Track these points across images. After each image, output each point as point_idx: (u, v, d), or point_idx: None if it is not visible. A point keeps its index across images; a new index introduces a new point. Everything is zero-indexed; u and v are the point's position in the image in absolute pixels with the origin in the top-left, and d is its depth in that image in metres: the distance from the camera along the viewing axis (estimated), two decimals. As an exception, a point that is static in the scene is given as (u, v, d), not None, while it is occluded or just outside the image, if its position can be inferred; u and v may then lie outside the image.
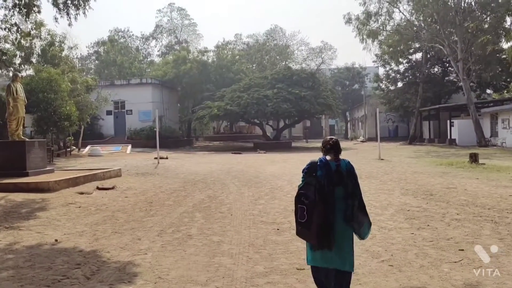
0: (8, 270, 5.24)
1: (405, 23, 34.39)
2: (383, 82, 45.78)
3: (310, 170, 3.73)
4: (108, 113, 39.16)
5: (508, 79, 36.21)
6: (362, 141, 46.08)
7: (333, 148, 3.82)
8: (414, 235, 6.62)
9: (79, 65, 38.76)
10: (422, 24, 33.88)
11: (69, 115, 21.83)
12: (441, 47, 32.07)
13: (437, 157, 21.61)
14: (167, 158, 23.03)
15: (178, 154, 27.85)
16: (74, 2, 13.68)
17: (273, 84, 37.14)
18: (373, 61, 45.43)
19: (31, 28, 15.01)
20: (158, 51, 64.42)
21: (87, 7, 13.84)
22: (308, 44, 63.22)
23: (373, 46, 36.25)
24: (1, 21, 14.43)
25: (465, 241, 6.22)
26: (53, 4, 13.51)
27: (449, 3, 30.81)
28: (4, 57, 18.93)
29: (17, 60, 25.93)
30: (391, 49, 35.94)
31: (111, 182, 13.06)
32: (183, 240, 6.56)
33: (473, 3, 31.01)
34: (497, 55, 31.73)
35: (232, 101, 35.58)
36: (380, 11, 33.16)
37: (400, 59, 39.64)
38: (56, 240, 6.60)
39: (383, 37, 35.40)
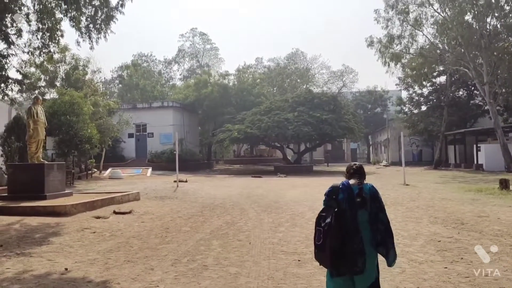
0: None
1: (428, 46, 33.89)
2: (407, 105, 45.04)
3: (331, 193, 3.72)
4: (130, 135, 39.50)
5: (537, 103, 35.11)
6: (385, 166, 45.14)
7: (356, 172, 3.84)
8: (448, 269, 6.10)
9: (103, 88, 39.34)
10: (446, 47, 33.30)
11: (90, 138, 21.91)
12: (466, 70, 31.39)
13: (464, 183, 20.80)
14: (186, 181, 22.83)
15: (198, 177, 27.62)
16: (96, 26, 13.73)
17: (294, 107, 36.88)
18: (396, 84, 44.90)
19: (54, 52, 15.04)
20: (180, 74, 65.36)
21: (108, 31, 13.87)
22: (329, 68, 63.20)
23: (396, 69, 35.71)
24: (25, 44, 14.59)
25: (506, 277, 5.66)
26: (75, 28, 13.59)
27: (474, 26, 30.27)
28: (27, 81, 19.15)
29: (42, 84, 26.47)
30: (414, 72, 35.37)
31: (129, 206, 12.83)
32: (198, 271, 6.17)
33: (498, 26, 30.40)
34: (525, 78, 30.85)
35: (252, 124, 35.38)
36: (403, 33, 32.77)
37: (424, 82, 38.96)
38: (66, 269, 6.30)
39: (406, 60, 34.91)
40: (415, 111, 43.78)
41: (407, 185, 19.73)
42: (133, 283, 5.67)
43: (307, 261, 6.63)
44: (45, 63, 20.76)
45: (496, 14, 29.14)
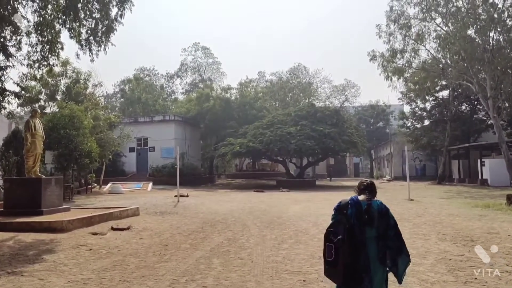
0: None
1: (431, 60, 33.72)
2: (409, 119, 44.80)
3: (340, 208, 3.71)
4: (131, 150, 39.24)
5: (541, 117, 34.84)
6: (388, 180, 44.72)
7: (367, 188, 3.83)
8: (462, 291, 5.76)
9: (105, 102, 39.21)
10: (449, 61, 33.09)
11: (90, 152, 21.63)
12: (469, 84, 31.16)
13: (470, 198, 20.41)
14: (187, 196, 22.52)
15: (199, 192, 27.28)
16: (96, 39, 13.56)
17: (297, 121, 36.64)
18: (399, 99, 44.65)
19: (54, 65, 14.84)
20: (182, 88, 65.33)
21: (108, 44, 13.69)
22: (331, 82, 62.97)
23: (399, 84, 35.49)
24: (24, 57, 14.40)
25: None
26: (75, 40, 13.41)
27: (476, 40, 30.11)
28: (27, 94, 18.96)
29: (43, 97, 26.31)
30: (417, 86, 35.15)
31: (128, 221, 12.49)
32: (197, 293, 5.84)
33: (501, 40, 30.24)
34: (529, 92, 30.61)
35: (254, 138, 35.10)
36: (405, 47, 32.60)
37: (427, 97, 38.74)
38: (57, 290, 5.98)
39: (408, 74, 34.71)
40: (418, 126, 43.51)
41: (412, 200, 19.37)
42: (127, 305, 5.34)
43: (312, 281, 6.29)
44: (45, 76, 20.58)
45: (498, 29, 29.02)
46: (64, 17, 12.24)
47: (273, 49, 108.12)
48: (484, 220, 12.29)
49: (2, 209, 12.73)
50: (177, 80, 65.53)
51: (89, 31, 13.28)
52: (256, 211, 15.65)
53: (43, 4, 12.87)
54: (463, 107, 41.57)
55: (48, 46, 13.88)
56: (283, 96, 57.81)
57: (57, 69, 24.09)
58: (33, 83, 23.68)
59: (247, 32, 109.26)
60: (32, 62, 14.33)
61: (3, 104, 14.34)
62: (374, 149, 60.27)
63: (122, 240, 9.89)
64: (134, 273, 6.91)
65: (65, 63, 26.25)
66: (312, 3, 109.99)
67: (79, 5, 12.32)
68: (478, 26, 29.20)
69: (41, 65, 14.10)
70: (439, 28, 31.38)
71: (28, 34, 14.03)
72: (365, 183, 3.91)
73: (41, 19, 13.28)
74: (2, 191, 14.96)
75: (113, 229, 11.15)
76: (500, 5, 28.33)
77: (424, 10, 30.85)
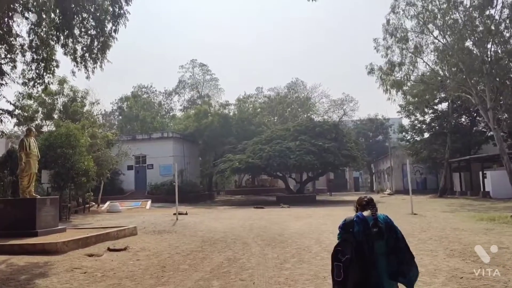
0: None
1: (429, 72, 33.67)
2: (409, 132, 44.62)
3: (346, 226, 3.63)
4: (129, 168, 38.89)
5: (542, 128, 34.65)
6: (390, 194, 44.30)
7: (369, 204, 3.76)
8: (477, 313, 5.44)
9: (103, 120, 38.96)
10: (447, 74, 33.06)
11: (87, 171, 21.29)
12: (469, 96, 31.05)
13: (474, 211, 20.07)
14: (186, 213, 22.14)
15: (199, 209, 26.88)
16: (92, 55, 13.38)
17: (296, 136, 36.40)
18: (397, 112, 44.50)
19: (49, 83, 14.62)
20: (180, 105, 65.20)
21: (104, 61, 13.50)
22: (329, 96, 62.91)
23: (397, 97, 35.35)
24: (19, 76, 14.22)
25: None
26: (70, 57, 13.23)
27: (474, 52, 30.09)
28: (23, 113, 18.72)
29: (39, 116, 26.06)
30: (416, 99, 35.06)
31: (125, 241, 12.15)
32: (196, 319, 5.51)
33: (499, 51, 30.23)
34: (528, 103, 30.49)
35: (254, 154, 34.79)
36: (403, 60, 32.56)
37: (426, 109, 38.62)
38: (48, 318, 5.64)
39: (407, 87, 34.61)
40: (418, 139, 43.32)
41: (415, 214, 19.03)
42: (122, 335, 5.00)
43: (318, 304, 5.95)
44: (42, 94, 20.36)
45: (496, 41, 29.01)
46: (59, 33, 12.04)
47: (271, 64, 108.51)
48: (491, 234, 11.97)
49: (-4, 231, 12.38)
50: (175, 97, 65.53)
51: (84, 48, 13.11)
52: (256, 228, 15.30)
53: (37, 21, 12.71)
54: (463, 119, 41.48)
55: (43, 64, 13.72)
56: (282, 111, 57.73)
57: (53, 87, 23.92)
58: (29, 101, 23.47)
59: (244, 48, 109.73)
60: (27, 80, 14.15)
61: (-4, 122, 14.08)
62: (374, 163, 59.99)
63: (119, 261, 9.53)
64: (130, 298, 6.57)
65: (62, 82, 26.09)
66: (310, 23, 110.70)
67: (74, 22, 12.14)
68: (476, 38, 29.22)
69: (36, 83, 13.91)
70: (436, 41, 31.40)
71: (23, 52, 13.86)
72: (365, 199, 3.85)
73: (36, 37, 13.14)
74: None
75: (109, 250, 10.81)
76: (497, 17, 28.37)
77: (421, 23, 30.86)
